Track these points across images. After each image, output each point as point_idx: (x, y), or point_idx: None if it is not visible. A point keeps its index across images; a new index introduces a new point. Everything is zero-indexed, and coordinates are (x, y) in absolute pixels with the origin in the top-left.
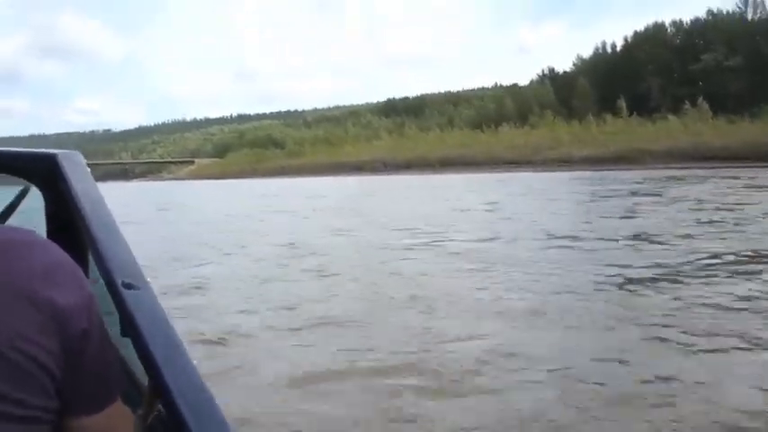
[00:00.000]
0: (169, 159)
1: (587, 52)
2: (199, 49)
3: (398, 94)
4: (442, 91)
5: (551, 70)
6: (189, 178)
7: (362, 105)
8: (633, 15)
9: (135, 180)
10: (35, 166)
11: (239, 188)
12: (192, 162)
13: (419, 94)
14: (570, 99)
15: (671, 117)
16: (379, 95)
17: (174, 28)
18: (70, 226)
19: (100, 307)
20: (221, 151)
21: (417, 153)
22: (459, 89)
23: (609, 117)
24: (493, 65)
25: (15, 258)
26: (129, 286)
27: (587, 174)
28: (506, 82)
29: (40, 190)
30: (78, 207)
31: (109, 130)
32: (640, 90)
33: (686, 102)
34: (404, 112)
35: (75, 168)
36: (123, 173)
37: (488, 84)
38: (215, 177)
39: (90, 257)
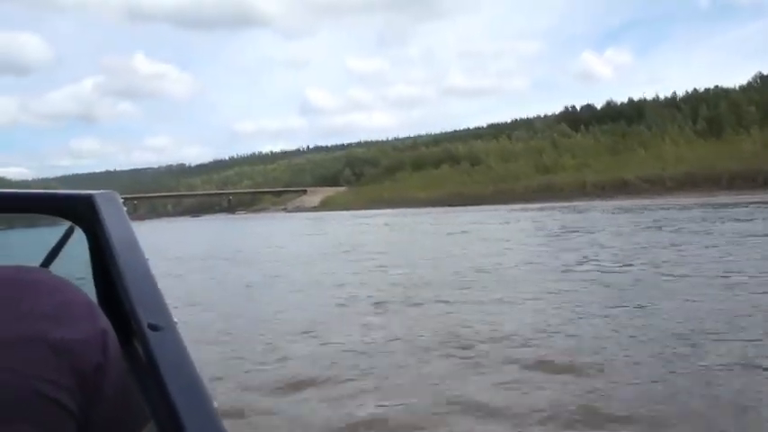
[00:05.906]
0: (283, 189)
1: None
2: (260, 86)
3: (461, 125)
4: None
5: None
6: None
7: (439, 135)
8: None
9: (241, 212)
10: (75, 207)
11: None
12: (305, 191)
13: (628, 101)
14: None
15: None
16: (445, 126)
17: (237, 66)
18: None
19: (117, 343)
20: (323, 180)
21: None
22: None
23: None
24: (557, 93)
25: (26, 300)
26: (154, 327)
27: None
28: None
29: (83, 231)
30: (110, 247)
31: (183, 165)
32: None
33: None
34: (598, 120)
35: (111, 208)
36: (217, 207)
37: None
38: (383, 205)
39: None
